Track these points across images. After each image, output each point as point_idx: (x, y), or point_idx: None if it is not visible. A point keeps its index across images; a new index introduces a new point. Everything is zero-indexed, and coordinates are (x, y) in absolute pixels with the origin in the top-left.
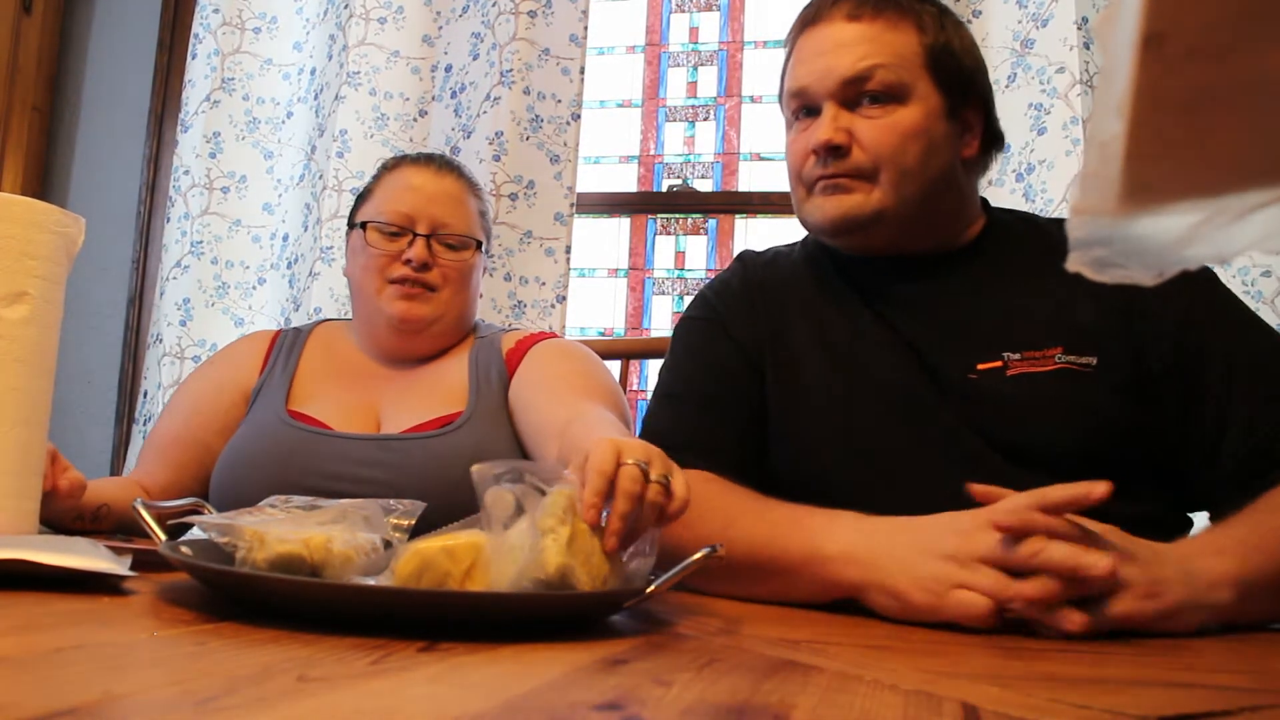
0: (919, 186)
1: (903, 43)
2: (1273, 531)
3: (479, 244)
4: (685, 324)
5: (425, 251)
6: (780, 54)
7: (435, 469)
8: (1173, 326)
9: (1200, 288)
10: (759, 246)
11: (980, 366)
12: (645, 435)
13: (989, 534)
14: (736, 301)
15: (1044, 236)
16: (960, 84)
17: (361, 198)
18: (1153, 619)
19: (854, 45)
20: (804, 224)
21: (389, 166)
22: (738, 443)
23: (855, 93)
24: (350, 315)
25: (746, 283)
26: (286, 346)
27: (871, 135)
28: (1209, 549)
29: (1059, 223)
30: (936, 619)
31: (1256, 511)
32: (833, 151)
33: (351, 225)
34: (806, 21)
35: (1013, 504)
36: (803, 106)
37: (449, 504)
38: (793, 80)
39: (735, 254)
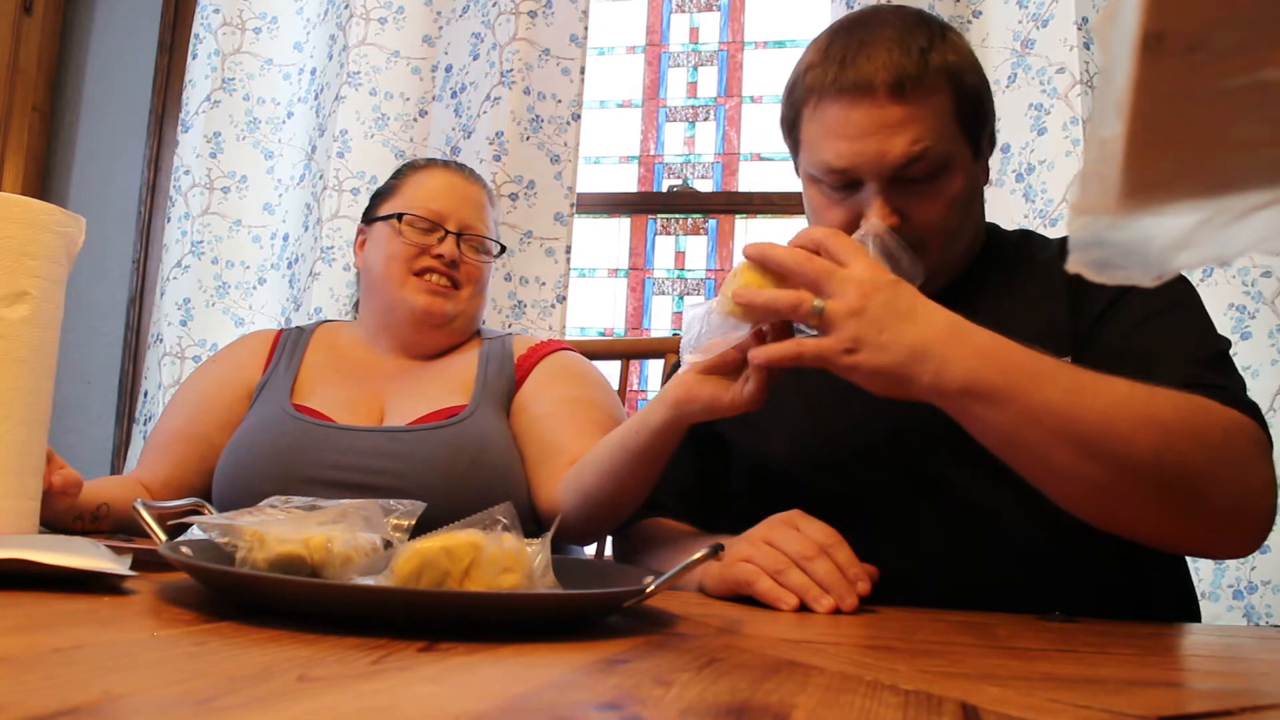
0: (962, 243)
1: (942, 113)
2: (1091, 384)
3: (503, 248)
4: (666, 374)
5: (456, 249)
6: (782, 54)
7: (443, 460)
8: (1106, 303)
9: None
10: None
11: None
12: None
13: (785, 527)
14: None
15: (1030, 247)
16: (981, 125)
17: (381, 194)
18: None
19: (903, 128)
20: None
21: (417, 166)
22: (684, 494)
23: (903, 174)
24: (348, 316)
25: None
26: (290, 344)
27: (922, 211)
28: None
29: (1050, 240)
30: (726, 586)
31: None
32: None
33: (369, 219)
34: (842, 88)
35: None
36: (843, 181)
37: (455, 495)
38: (834, 157)
39: (734, 255)
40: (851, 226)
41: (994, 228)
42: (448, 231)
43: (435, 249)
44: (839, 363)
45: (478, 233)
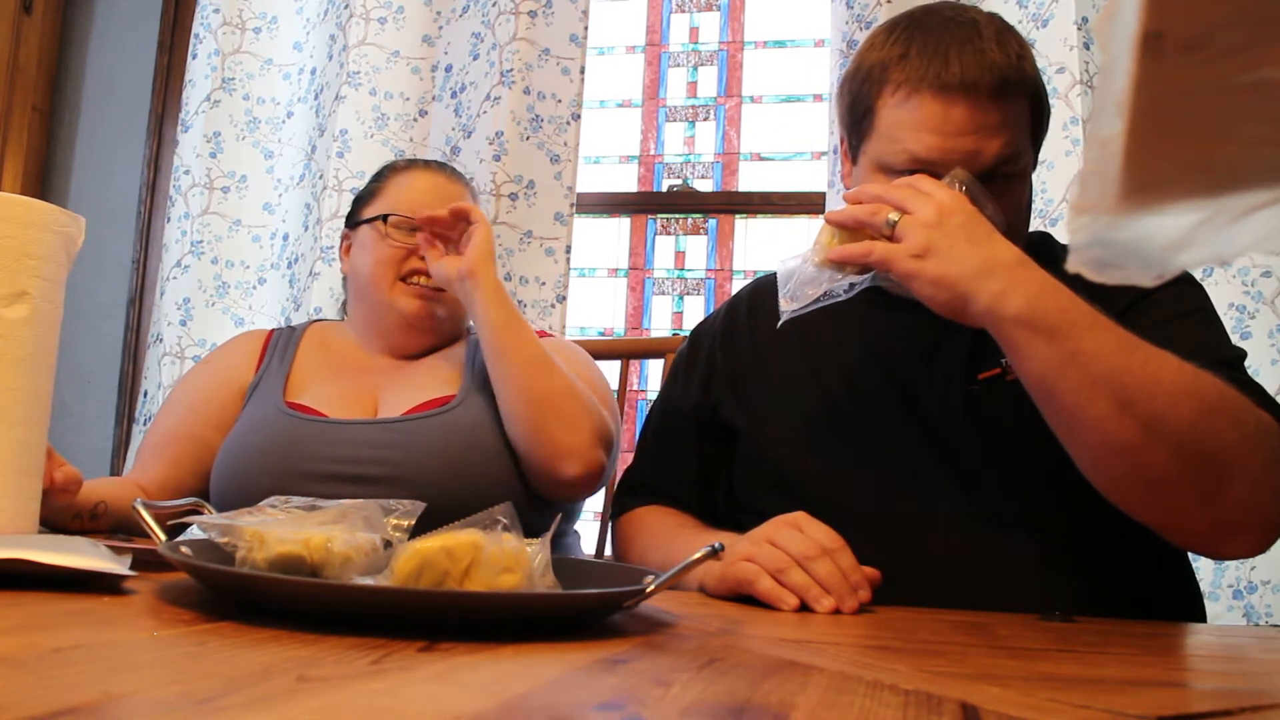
0: (1020, 243)
1: (1025, 121)
2: (1138, 348)
3: None
4: (674, 361)
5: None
6: (782, 54)
7: (438, 447)
8: (1129, 302)
9: (1170, 286)
10: (760, 252)
11: (980, 376)
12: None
13: (788, 528)
14: (714, 339)
15: (1049, 250)
16: (1043, 137)
17: (364, 198)
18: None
19: (999, 130)
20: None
21: (399, 168)
22: (687, 482)
23: (986, 173)
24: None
25: (733, 316)
26: (281, 343)
27: (995, 212)
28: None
29: (1062, 245)
30: (726, 584)
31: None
32: None
33: (353, 223)
34: (946, 84)
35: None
36: (921, 169)
37: (453, 482)
38: (924, 150)
39: (734, 255)
40: None
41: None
42: None
43: (422, 250)
44: (904, 266)
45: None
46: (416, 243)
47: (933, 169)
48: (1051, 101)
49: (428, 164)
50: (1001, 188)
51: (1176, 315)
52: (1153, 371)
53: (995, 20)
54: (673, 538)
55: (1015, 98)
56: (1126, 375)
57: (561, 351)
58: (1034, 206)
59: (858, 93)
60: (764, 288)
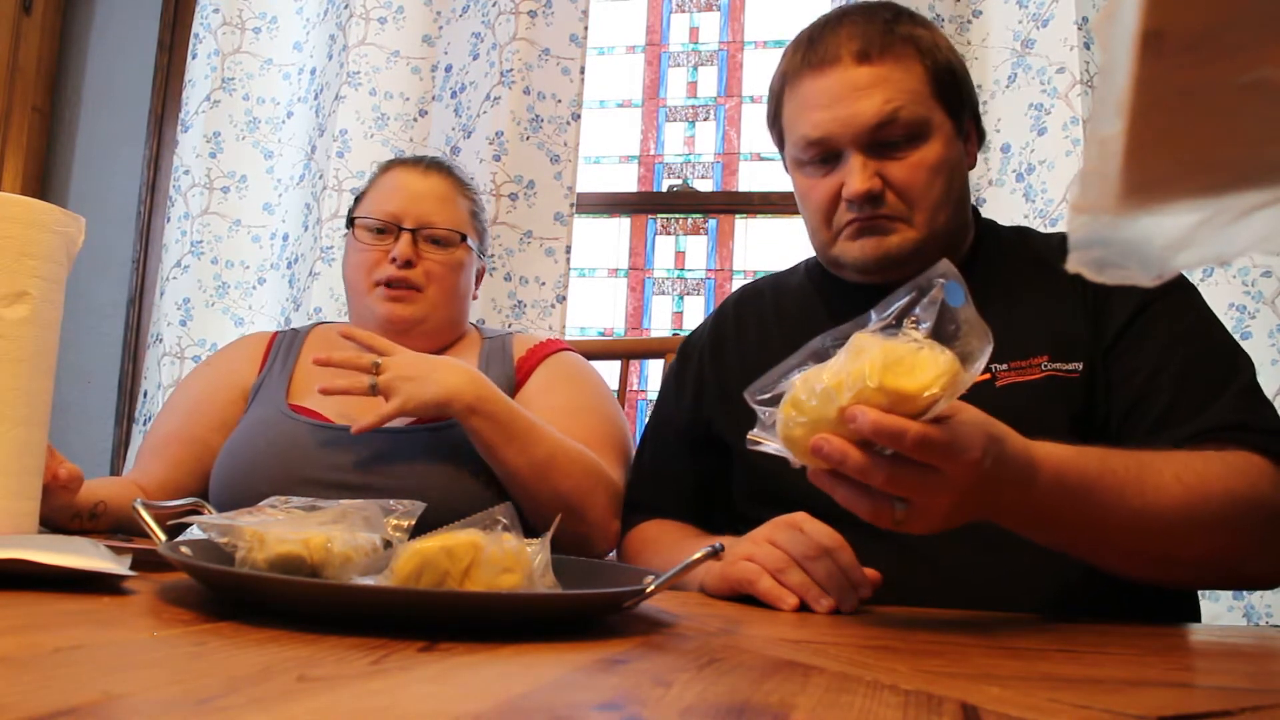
0: (947, 214)
1: (913, 78)
2: (1149, 475)
3: (464, 238)
4: (664, 377)
5: (410, 248)
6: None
7: (439, 462)
8: (1127, 319)
9: (1166, 290)
10: (760, 252)
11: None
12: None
13: (788, 528)
14: (702, 353)
15: (1033, 247)
16: (960, 100)
17: (357, 200)
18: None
19: (872, 89)
20: (833, 263)
21: (382, 169)
22: (684, 498)
23: (880, 137)
24: (345, 318)
25: (720, 329)
26: (285, 345)
27: (902, 177)
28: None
29: (1050, 236)
30: (726, 584)
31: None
32: (870, 200)
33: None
34: (811, 64)
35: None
36: (823, 154)
37: (455, 496)
38: (811, 128)
39: (734, 255)
40: (836, 199)
41: (990, 223)
42: (402, 229)
43: (391, 251)
44: (916, 533)
45: (436, 226)
46: (388, 244)
47: (826, 145)
48: (1052, 101)
49: (404, 161)
50: (903, 153)
51: (1181, 337)
52: (1164, 520)
53: (874, 4)
54: (676, 545)
55: (888, 59)
56: (1134, 534)
57: (570, 380)
58: (1034, 206)
59: (770, 104)
60: (749, 297)
